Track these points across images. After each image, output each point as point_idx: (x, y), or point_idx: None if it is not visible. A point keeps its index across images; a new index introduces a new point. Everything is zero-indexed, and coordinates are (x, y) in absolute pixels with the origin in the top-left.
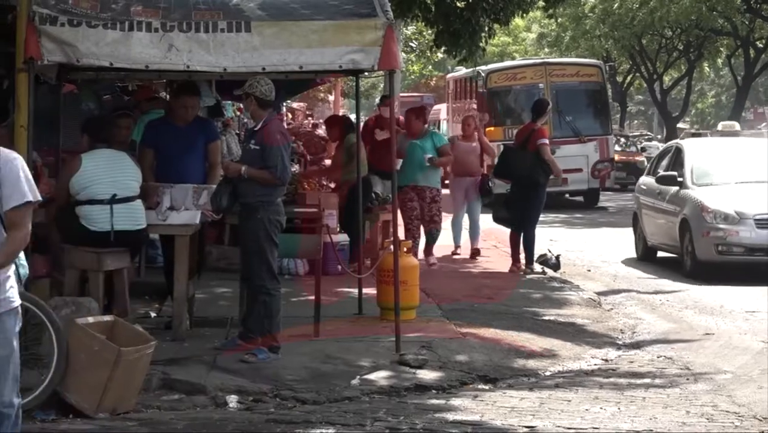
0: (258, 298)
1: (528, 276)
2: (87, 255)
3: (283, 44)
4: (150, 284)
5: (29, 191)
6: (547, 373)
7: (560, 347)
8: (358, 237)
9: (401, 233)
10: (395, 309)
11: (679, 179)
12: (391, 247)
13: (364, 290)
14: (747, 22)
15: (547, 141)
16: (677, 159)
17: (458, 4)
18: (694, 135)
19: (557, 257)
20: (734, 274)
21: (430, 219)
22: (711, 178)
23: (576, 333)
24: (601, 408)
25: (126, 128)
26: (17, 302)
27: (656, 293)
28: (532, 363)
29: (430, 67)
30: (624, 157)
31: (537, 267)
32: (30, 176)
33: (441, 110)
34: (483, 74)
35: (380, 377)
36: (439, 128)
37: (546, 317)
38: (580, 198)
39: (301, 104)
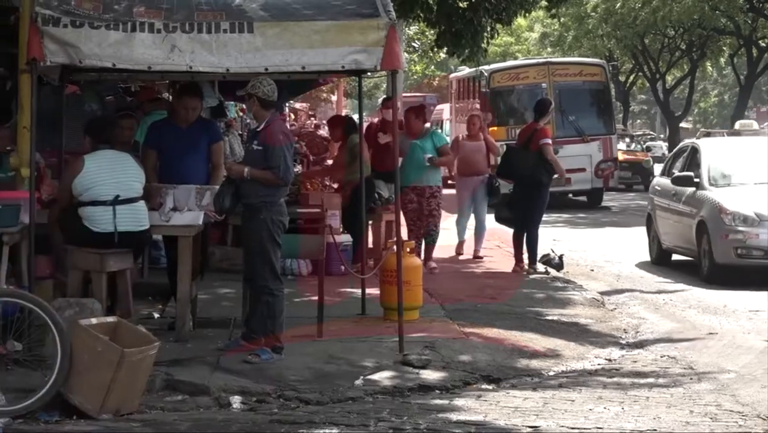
0: (261, 298)
1: (531, 276)
2: (90, 256)
3: (285, 45)
4: (153, 284)
5: None
6: (551, 373)
7: (564, 346)
8: (361, 237)
9: (404, 234)
10: (398, 309)
11: (696, 180)
12: (394, 247)
13: (367, 291)
14: (750, 22)
15: (550, 141)
16: (693, 159)
17: (460, 5)
18: (709, 134)
19: (560, 257)
20: (754, 278)
21: (429, 213)
22: (729, 179)
23: (579, 333)
24: (604, 408)
25: (128, 129)
26: None
27: (659, 292)
28: (535, 363)
29: (432, 67)
30: (629, 157)
31: (540, 267)
32: None
33: (444, 110)
34: (486, 74)
35: (384, 377)
36: (442, 128)
37: (549, 317)
38: (583, 198)
39: (304, 105)
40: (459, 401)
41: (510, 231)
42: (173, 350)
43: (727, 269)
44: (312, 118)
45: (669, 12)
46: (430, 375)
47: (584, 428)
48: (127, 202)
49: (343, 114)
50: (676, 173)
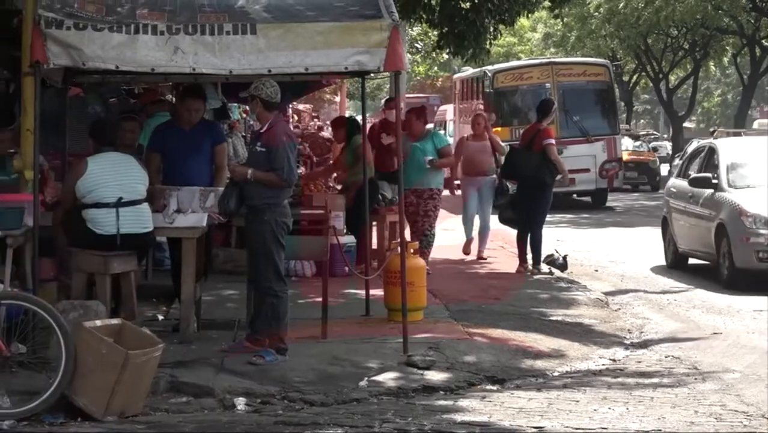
0: (265, 300)
1: (535, 276)
2: (94, 258)
3: (288, 46)
4: (157, 286)
5: None
6: (555, 373)
7: (568, 347)
8: (364, 239)
9: (407, 235)
10: (402, 310)
11: (714, 181)
12: (398, 248)
13: (371, 292)
14: (753, 21)
15: (553, 141)
16: (710, 160)
17: (463, 6)
18: (727, 134)
19: (564, 258)
20: None
21: (424, 213)
22: (748, 180)
23: (584, 333)
24: (609, 408)
25: (131, 131)
26: None
27: (663, 292)
28: (539, 364)
29: (435, 68)
30: (636, 157)
31: (544, 267)
32: None
33: (447, 111)
34: (489, 74)
35: (388, 378)
36: (445, 129)
37: (553, 318)
38: (587, 198)
39: (307, 106)
40: (463, 402)
41: (513, 232)
42: (177, 351)
43: (748, 274)
44: (315, 120)
45: (672, 12)
46: (435, 376)
47: (589, 429)
48: (131, 204)
49: (347, 115)
50: (693, 174)
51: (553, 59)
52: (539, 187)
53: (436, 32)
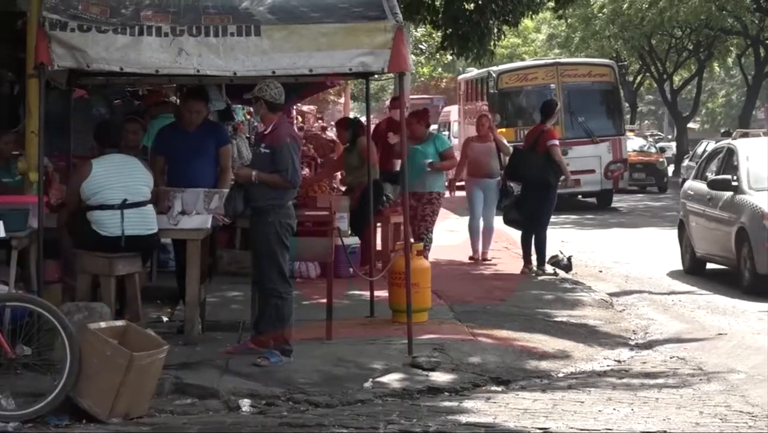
0: (270, 301)
1: (540, 277)
2: (99, 260)
3: (292, 48)
4: (162, 288)
5: None
6: (560, 374)
7: (573, 348)
8: (369, 240)
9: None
10: (407, 311)
11: (734, 183)
12: (403, 249)
13: (376, 293)
14: (757, 21)
15: (557, 142)
16: (729, 161)
17: (467, 7)
18: (746, 135)
19: (569, 258)
20: None
21: (421, 217)
22: None
23: (588, 334)
24: (614, 409)
25: (134, 133)
26: None
27: (668, 293)
28: (544, 365)
29: (439, 69)
30: (643, 158)
31: (549, 268)
32: None
33: (451, 112)
34: (494, 75)
35: (393, 379)
36: (449, 130)
37: (558, 319)
38: (593, 199)
39: (312, 107)
40: (468, 403)
41: (518, 233)
42: (182, 353)
43: None
44: (319, 121)
45: (676, 12)
46: (440, 377)
47: (594, 430)
48: (135, 206)
49: (351, 116)
50: (711, 176)
51: (558, 60)
52: (543, 188)
53: (440, 33)
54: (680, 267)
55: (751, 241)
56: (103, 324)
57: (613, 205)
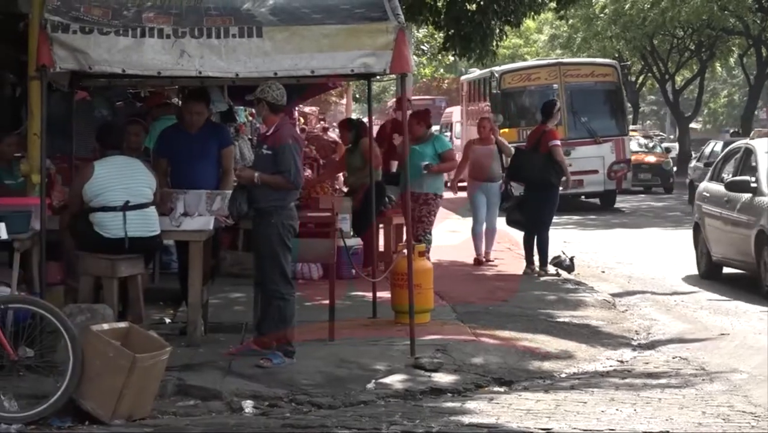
0: (272, 302)
1: (542, 278)
2: (101, 262)
3: (294, 49)
4: (164, 290)
5: None
6: (563, 375)
7: (575, 348)
8: (371, 241)
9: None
10: (410, 312)
11: (753, 185)
12: (405, 250)
13: (378, 294)
14: (759, 21)
15: (558, 142)
16: (747, 162)
17: (469, 7)
18: (766, 134)
19: (571, 259)
20: None
21: (418, 219)
22: None
23: (591, 335)
24: (617, 410)
25: (135, 135)
26: None
27: (671, 294)
28: (547, 365)
29: (441, 70)
30: (649, 159)
31: (551, 269)
32: None
33: (454, 113)
34: (497, 75)
35: (395, 380)
36: (452, 131)
37: (561, 319)
38: (596, 200)
39: (313, 108)
40: (471, 404)
41: (520, 233)
42: (185, 354)
43: None
44: (321, 122)
45: (678, 13)
46: (442, 378)
47: (597, 430)
48: (138, 207)
49: (353, 117)
50: (729, 178)
51: (560, 60)
52: (545, 189)
53: (442, 34)
54: (680, 267)
55: None
56: (105, 326)
57: (616, 205)
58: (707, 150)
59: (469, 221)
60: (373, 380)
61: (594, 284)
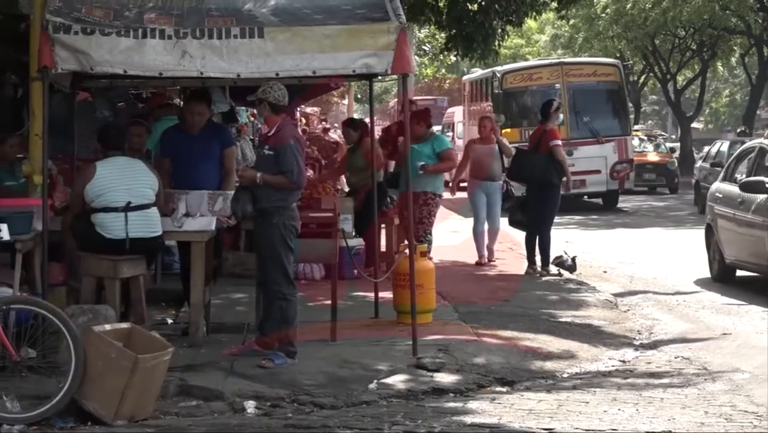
0: (274, 303)
1: (544, 278)
2: (103, 263)
3: (296, 50)
4: (166, 290)
5: None
6: (565, 375)
7: (577, 348)
8: (373, 241)
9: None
10: (412, 312)
11: None
12: (407, 251)
13: (380, 294)
14: (760, 21)
15: (559, 142)
16: (761, 162)
17: (470, 7)
18: None
19: (573, 259)
20: None
21: (418, 220)
22: None
23: (593, 334)
24: (619, 409)
25: (137, 136)
26: None
27: (673, 293)
28: (549, 365)
29: (443, 70)
30: (654, 159)
31: (553, 269)
32: None
33: (455, 113)
34: (499, 75)
35: (397, 380)
36: (454, 131)
37: (563, 319)
38: (599, 200)
39: (315, 109)
40: (473, 404)
41: (522, 233)
42: (187, 355)
43: None
44: (323, 122)
45: (679, 12)
46: (444, 378)
47: (599, 430)
48: (139, 208)
49: (356, 117)
50: (743, 178)
51: (563, 59)
52: (547, 189)
53: (443, 34)
54: (681, 267)
55: None
56: (107, 326)
57: (618, 205)
58: (713, 150)
59: (470, 221)
60: (376, 381)
61: (596, 284)
